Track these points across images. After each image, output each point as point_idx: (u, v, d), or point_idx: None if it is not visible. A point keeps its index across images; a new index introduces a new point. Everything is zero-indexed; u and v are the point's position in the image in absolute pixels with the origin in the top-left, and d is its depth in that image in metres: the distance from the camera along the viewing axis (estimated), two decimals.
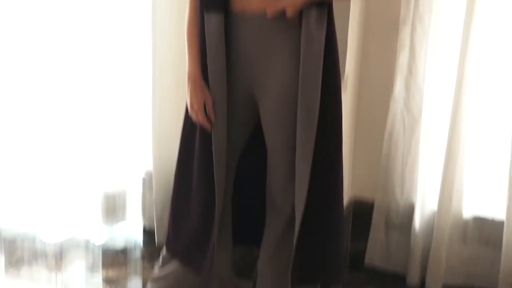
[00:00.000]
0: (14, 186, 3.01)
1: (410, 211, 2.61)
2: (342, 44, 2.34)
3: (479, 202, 2.57)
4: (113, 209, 2.98)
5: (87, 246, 2.82)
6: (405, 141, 2.60)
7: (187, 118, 2.04)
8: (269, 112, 1.96)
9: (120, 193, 2.98)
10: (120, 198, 2.98)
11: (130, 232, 2.95)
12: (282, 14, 1.84)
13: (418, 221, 2.55)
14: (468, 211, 2.55)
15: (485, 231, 2.55)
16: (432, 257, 2.52)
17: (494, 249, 2.49)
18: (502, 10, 2.37)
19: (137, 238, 2.92)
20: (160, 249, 2.27)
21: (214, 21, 1.87)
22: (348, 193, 2.76)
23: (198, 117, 1.95)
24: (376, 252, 2.70)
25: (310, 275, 2.07)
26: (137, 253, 2.80)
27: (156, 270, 2.25)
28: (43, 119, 2.97)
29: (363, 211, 2.78)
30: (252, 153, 2.12)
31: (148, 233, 2.88)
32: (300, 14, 1.84)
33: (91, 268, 2.67)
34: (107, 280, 2.57)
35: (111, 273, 2.62)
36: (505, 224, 2.40)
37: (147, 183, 2.87)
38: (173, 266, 2.17)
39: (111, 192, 2.97)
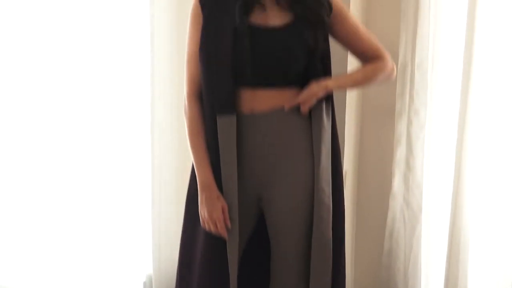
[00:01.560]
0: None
1: None
2: (340, 140, 2.32)
3: None
4: None
5: None
6: (406, 237, 2.53)
7: (188, 221, 1.97)
8: (279, 213, 1.88)
9: None
10: None
11: None
12: (296, 109, 1.87)
13: None
14: None
15: None
16: None
17: None
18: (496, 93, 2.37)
19: None
20: None
21: (226, 124, 1.83)
22: None
23: (217, 227, 1.85)
24: None
25: None
26: None
27: None
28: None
29: None
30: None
31: None
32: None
33: None
34: None
35: None
36: None
37: (148, 287, 2.77)
38: None
39: None
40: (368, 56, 1.97)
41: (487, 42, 2.28)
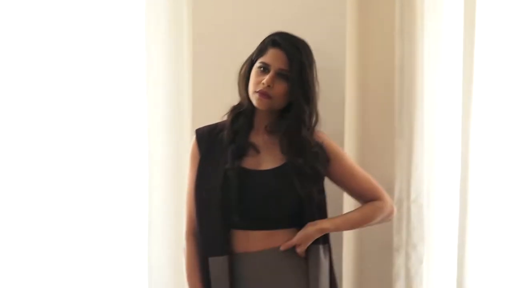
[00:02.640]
0: None
1: None
2: (339, 280, 2.33)
3: None
4: None
5: None
6: None
7: None
8: None
9: None
10: None
11: None
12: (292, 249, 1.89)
13: None
14: None
15: None
16: None
17: None
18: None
19: None
20: None
21: (218, 264, 1.87)
22: None
23: None
24: None
25: None
26: None
27: None
28: None
29: None
30: None
31: None
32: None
33: None
34: None
35: None
36: None
37: None
38: None
39: None
40: (367, 198, 2.00)
41: (481, 169, 2.37)
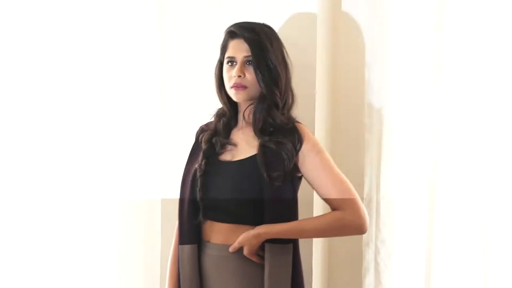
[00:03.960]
0: None
1: None
2: (307, 268, 2.33)
3: None
4: None
5: None
6: None
7: None
8: None
9: None
10: None
11: None
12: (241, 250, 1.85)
13: None
14: None
15: None
16: None
17: None
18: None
19: None
20: None
21: (184, 252, 1.91)
22: None
23: None
24: None
25: None
26: None
27: None
28: None
29: None
30: None
31: None
32: (263, 251, 1.84)
33: None
34: None
35: None
36: None
37: None
38: None
39: None
40: (332, 204, 1.88)
41: (450, 164, 2.40)
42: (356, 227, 1.86)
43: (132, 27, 2.58)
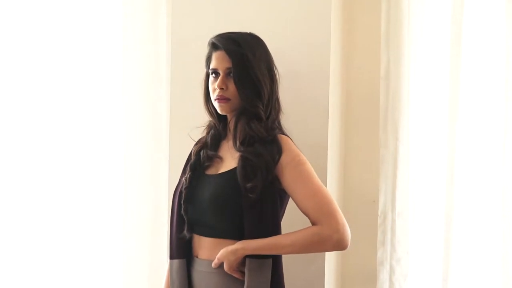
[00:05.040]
0: None
1: None
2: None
3: None
4: None
5: None
6: None
7: None
8: None
9: None
10: None
11: None
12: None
13: None
14: None
15: None
16: None
17: None
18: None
19: None
20: None
21: (172, 266, 1.92)
22: None
23: None
24: None
25: None
26: None
27: None
28: None
29: None
30: None
31: None
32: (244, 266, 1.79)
33: None
34: None
35: None
36: None
37: None
38: None
39: None
40: (310, 217, 1.79)
41: (467, 180, 2.34)
42: (334, 243, 1.77)
43: (140, 28, 2.60)
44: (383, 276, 2.46)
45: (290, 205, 1.90)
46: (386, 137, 2.45)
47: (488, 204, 2.35)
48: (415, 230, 2.44)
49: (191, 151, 2.03)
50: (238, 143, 1.86)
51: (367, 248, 2.51)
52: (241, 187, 1.78)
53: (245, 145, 1.84)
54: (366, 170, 2.55)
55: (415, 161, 2.43)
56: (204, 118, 2.03)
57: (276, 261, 1.82)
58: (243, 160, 1.81)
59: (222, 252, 1.79)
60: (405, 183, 2.43)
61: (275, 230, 1.82)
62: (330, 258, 2.38)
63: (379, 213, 2.43)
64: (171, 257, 1.94)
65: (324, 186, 1.84)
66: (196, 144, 2.03)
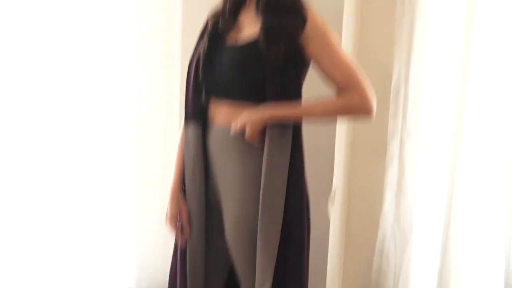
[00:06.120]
0: None
1: None
2: (329, 157, 2.33)
3: None
4: None
5: None
6: (396, 257, 2.51)
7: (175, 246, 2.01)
8: (228, 232, 1.87)
9: None
10: None
11: None
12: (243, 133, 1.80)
13: None
14: None
15: None
16: None
17: None
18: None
19: None
20: None
21: (191, 129, 1.90)
22: None
23: (171, 226, 1.96)
24: None
25: None
26: None
27: None
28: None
29: None
30: None
31: None
32: (263, 134, 1.79)
33: None
34: None
35: None
36: None
37: None
38: None
39: None
40: (339, 84, 1.78)
41: (483, 64, 2.32)
42: (364, 112, 1.78)
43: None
44: (393, 148, 2.50)
45: None
46: (403, 9, 2.41)
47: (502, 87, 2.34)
48: (427, 104, 2.45)
49: (206, 20, 1.98)
50: (261, 8, 1.81)
51: (379, 121, 2.53)
52: (264, 52, 1.75)
53: (270, 10, 1.80)
54: (382, 40, 2.52)
55: (431, 34, 2.40)
56: None
57: (296, 128, 1.82)
58: (267, 27, 1.77)
59: (245, 116, 1.78)
60: (420, 55, 2.40)
61: (297, 96, 1.80)
62: (341, 129, 2.42)
63: (392, 85, 2.43)
64: (187, 117, 1.93)
65: (348, 56, 1.83)
66: (212, 14, 1.97)
